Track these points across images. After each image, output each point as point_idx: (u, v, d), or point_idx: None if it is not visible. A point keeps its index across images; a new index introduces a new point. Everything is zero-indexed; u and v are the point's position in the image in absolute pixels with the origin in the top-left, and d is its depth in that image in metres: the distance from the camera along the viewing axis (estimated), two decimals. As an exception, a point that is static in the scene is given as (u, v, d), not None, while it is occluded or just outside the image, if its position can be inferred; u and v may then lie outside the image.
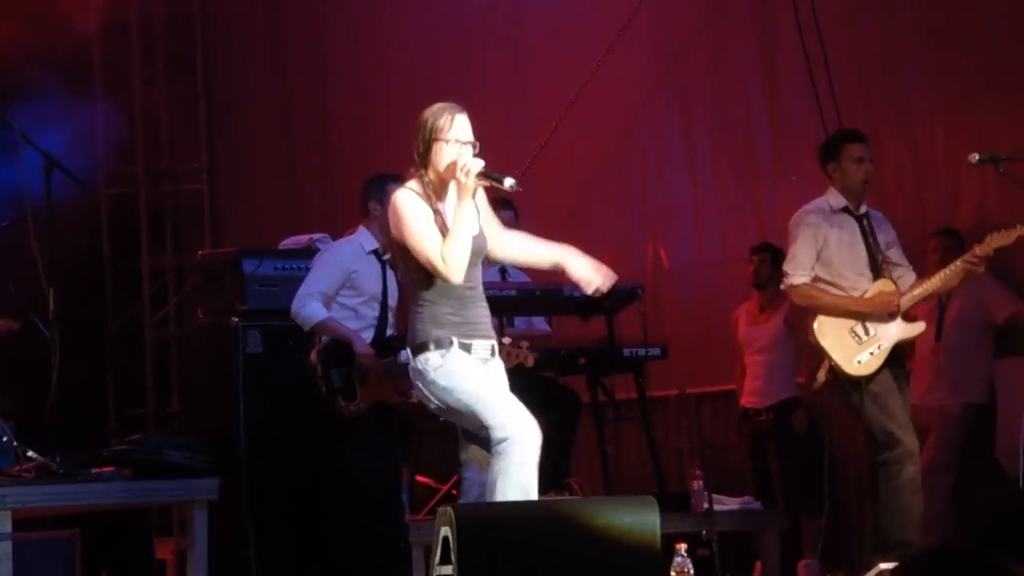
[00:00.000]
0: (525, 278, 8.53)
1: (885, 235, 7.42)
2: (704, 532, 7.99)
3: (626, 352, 8.26)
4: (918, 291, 7.30)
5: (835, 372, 7.26)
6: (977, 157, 7.16)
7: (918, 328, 7.40)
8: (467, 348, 5.82)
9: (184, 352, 10.90)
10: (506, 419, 5.73)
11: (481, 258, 5.92)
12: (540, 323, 8.56)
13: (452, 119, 5.80)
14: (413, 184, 5.84)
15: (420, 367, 5.83)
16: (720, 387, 9.61)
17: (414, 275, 5.86)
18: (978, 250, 7.15)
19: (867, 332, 7.25)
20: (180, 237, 11.60)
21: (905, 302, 7.28)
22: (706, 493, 7.91)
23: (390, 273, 7.51)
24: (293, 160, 11.62)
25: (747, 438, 9.22)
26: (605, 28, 9.87)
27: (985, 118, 8.51)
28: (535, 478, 5.75)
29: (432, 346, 5.80)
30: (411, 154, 5.89)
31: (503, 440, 5.71)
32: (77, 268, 10.51)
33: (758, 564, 8.44)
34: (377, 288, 7.49)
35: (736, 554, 8.97)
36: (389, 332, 7.46)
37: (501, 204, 8.49)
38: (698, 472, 8.06)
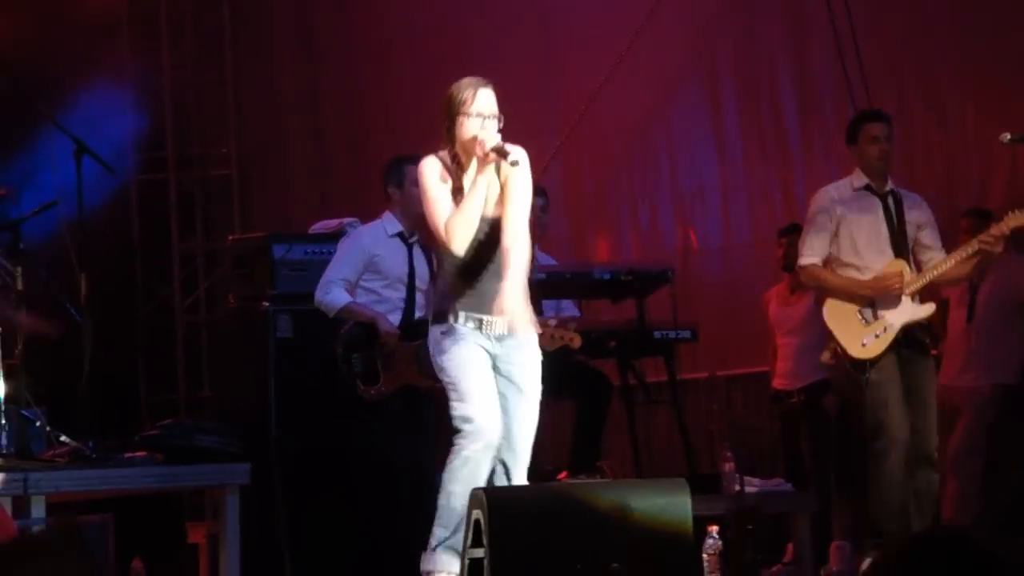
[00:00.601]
0: (553, 261, 8.52)
1: (918, 216, 7.34)
2: (736, 514, 7.98)
3: (656, 335, 8.23)
4: (932, 272, 7.24)
5: (843, 353, 7.25)
6: (1009, 137, 7.12)
7: (926, 310, 7.31)
8: (478, 323, 5.82)
9: (215, 337, 10.91)
10: (468, 411, 5.74)
11: (500, 236, 5.86)
12: (569, 307, 8.54)
13: (475, 92, 5.80)
14: (441, 153, 5.87)
15: (429, 342, 5.92)
16: (751, 369, 9.60)
17: (434, 242, 5.93)
18: (994, 230, 7.11)
19: (875, 315, 7.21)
20: (210, 222, 11.62)
21: (916, 283, 7.22)
22: (737, 475, 7.90)
23: (418, 255, 7.50)
24: (322, 144, 11.62)
25: (778, 420, 9.21)
26: (634, 10, 9.84)
27: (1017, 97, 8.47)
28: (482, 476, 5.75)
29: (439, 319, 5.86)
30: (440, 134, 5.90)
31: (458, 432, 5.74)
32: (108, 254, 10.56)
33: (790, 546, 8.44)
34: (403, 271, 7.48)
35: (768, 536, 8.95)
36: (419, 315, 7.45)
37: (534, 191, 8.49)
38: (729, 454, 8.05)
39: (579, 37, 10.33)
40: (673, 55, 10.04)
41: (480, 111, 5.79)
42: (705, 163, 9.95)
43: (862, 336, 7.19)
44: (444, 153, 5.88)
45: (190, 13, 11.69)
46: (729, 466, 7.95)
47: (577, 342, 6.36)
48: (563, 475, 7.91)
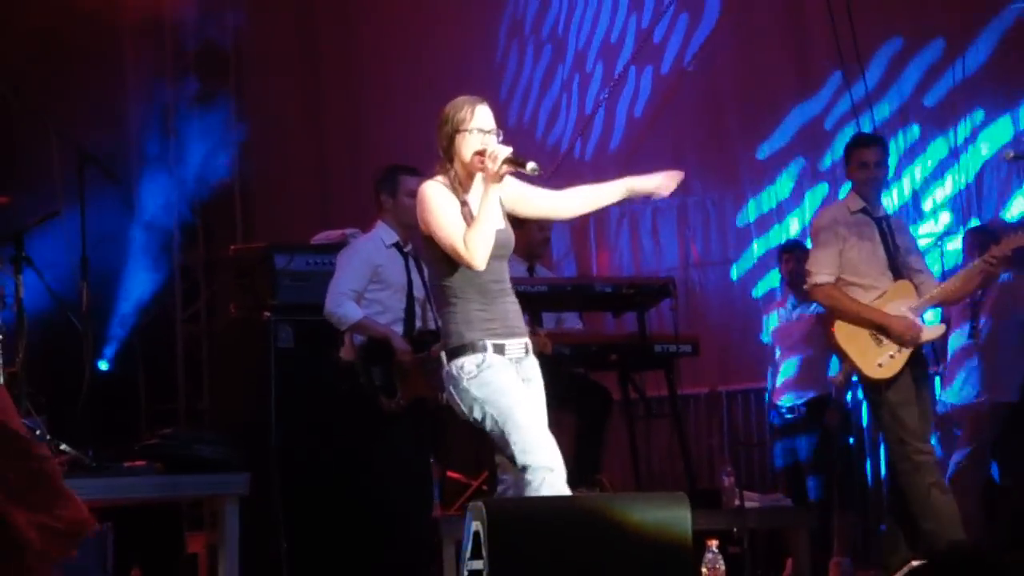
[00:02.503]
0: (552, 274, 8.54)
1: (904, 240, 7.41)
2: (735, 529, 7.99)
3: (657, 349, 8.25)
4: (936, 294, 7.26)
5: (858, 374, 7.26)
6: (1012, 153, 7.15)
7: (938, 331, 7.36)
8: (500, 349, 5.74)
9: (216, 347, 10.92)
10: (531, 446, 5.65)
11: (508, 252, 5.84)
12: (572, 320, 8.56)
13: (473, 110, 5.77)
14: (439, 178, 5.82)
15: (455, 372, 5.73)
16: (751, 384, 9.60)
17: (440, 267, 5.77)
18: (995, 251, 7.14)
19: (885, 335, 7.23)
20: (211, 233, 11.62)
21: (920, 306, 7.24)
22: (737, 490, 7.90)
23: (414, 266, 7.51)
24: (324, 156, 11.64)
25: (778, 435, 9.20)
26: (638, 20, 9.89)
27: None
28: None
29: (468, 351, 5.71)
30: (436, 156, 5.88)
31: (527, 467, 5.64)
32: (110, 264, 10.57)
33: (789, 561, 8.44)
34: (403, 280, 7.47)
35: (767, 551, 8.95)
36: (417, 325, 7.46)
37: None
38: (729, 469, 8.06)
39: (577, 50, 10.38)
40: (675, 64, 10.07)
41: (480, 127, 5.76)
42: (706, 176, 9.95)
43: (877, 357, 7.19)
44: (443, 178, 5.83)
45: (193, 25, 11.70)
46: (729, 481, 7.96)
47: (548, 348, 6.27)
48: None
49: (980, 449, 8.28)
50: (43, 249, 7.60)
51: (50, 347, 7.84)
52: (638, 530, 5.31)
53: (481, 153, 5.70)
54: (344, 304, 7.37)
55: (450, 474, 8.60)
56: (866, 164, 7.31)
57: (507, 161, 5.68)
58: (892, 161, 8.03)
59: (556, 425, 8.19)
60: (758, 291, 9.65)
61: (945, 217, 8.99)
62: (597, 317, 9.12)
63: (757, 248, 9.74)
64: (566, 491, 5.68)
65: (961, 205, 8.88)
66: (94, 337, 7.49)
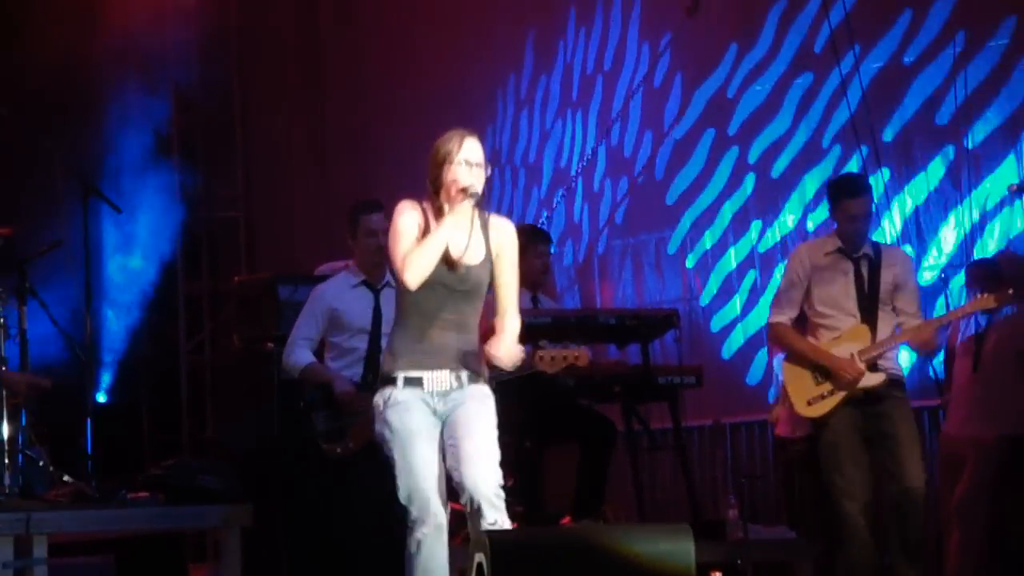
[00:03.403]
0: (555, 304, 8.53)
1: (895, 275, 7.36)
2: (739, 561, 7.96)
3: (661, 380, 8.24)
4: (886, 340, 7.26)
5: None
6: (1017, 186, 7.17)
7: (876, 379, 7.31)
8: (416, 382, 5.75)
9: (219, 378, 10.92)
10: (411, 496, 5.74)
11: (472, 291, 5.81)
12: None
13: (461, 142, 5.79)
14: (424, 202, 5.83)
15: (374, 403, 5.83)
16: (754, 416, 9.59)
17: (398, 287, 5.82)
18: (958, 311, 7.34)
19: (827, 376, 7.28)
20: (216, 263, 11.64)
21: (869, 354, 7.24)
22: (741, 522, 7.88)
23: (387, 300, 7.32)
24: (328, 187, 11.65)
25: (782, 467, 9.19)
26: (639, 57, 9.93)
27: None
28: (439, 561, 5.75)
29: (383, 383, 5.79)
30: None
31: (409, 523, 5.76)
32: (115, 294, 10.58)
33: (793, 594, 8.41)
34: (365, 320, 7.38)
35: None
36: None
37: (540, 238, 8.50)
38: (733, 501, 8.04)
39: (583, 84, 10.42)
40: (676, 93, 10.09)
41: (467, 159, 5.79)
42: (709, 205, 9.96)
43: (809, 395, 7.31)
44: (427, 202, 5.85)
45: (198, 54, 11.74)
46: (733, 512, 7.94)
47: (584, 360, 6.16)
48: (567, 519, 7.89)
49: (984, 481, 8.25)
50: (47, 279, 7.62)
51: (54, 377, 7.84)
52: (642, 561, 5.30)
53: (452, 182, 5.73)
54: (294, 353, 7.38)
55: (453, 505, 8.57)
56: (854, 217, 7.34)
57: (460, 190, 5.71)
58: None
59: (561, 457, 8.25)
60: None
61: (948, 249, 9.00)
62: (600, 349, 9.11)
63: (763, 279, 9.75)
64: (437, 547, 5.73)
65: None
66: (96, 367, 7.49)
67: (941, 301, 8.59)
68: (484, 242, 5.84)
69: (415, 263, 5.69)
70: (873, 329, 7.28)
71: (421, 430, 5.75)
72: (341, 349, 7.39)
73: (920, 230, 9.06)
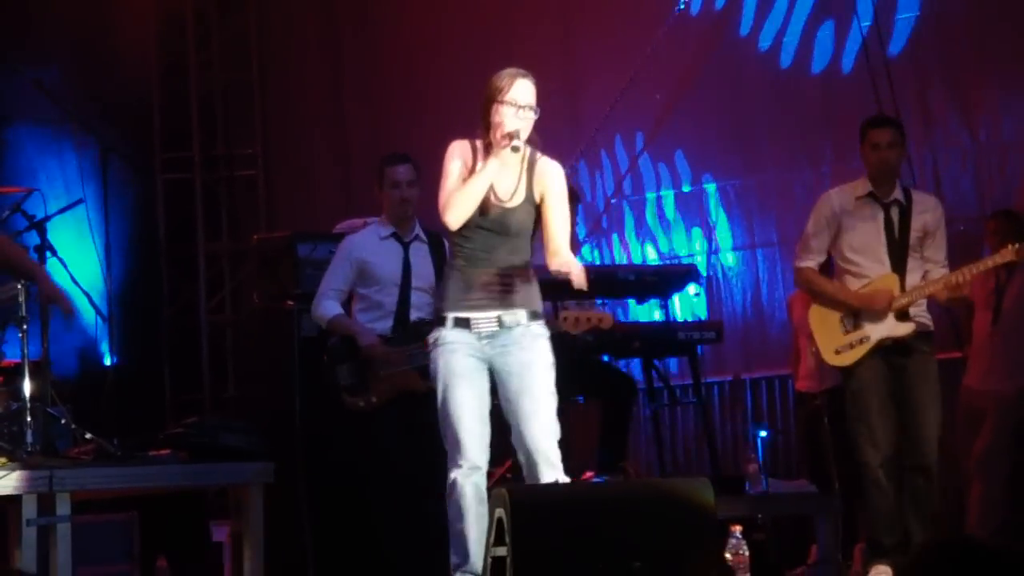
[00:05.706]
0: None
1: (925, 222, 7.22)
2: (759, 515, 7.97)
3: (681, 335, 8.23)
4: (919, 291, 7.14)
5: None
6: None
7: (905, 328, 7.21)
8: (464, 323, 5.83)
9: (240, 336, 10.94)
10: (449, 439, 5.82)
11: (512, 233, 5.85)
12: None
13: (513, 82, 5.81)
14: (475, 140, 5.88)
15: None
16: (775, 371, 9.58)
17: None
18: (980, 264, 7.13)
19: (855, 325, 7.18)
20: (235, 222, 11.65)
21: (901, 301, 7.13)
22: (762, 476, 7.89)
23: (417, 253, 7.39)
24: (346, 144, 11.64)
25: (802, 422, 9.19)
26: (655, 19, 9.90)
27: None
28: (469, 501, 5.81)
29: (437, 323, 5.90)
30: (461, 134, 5.93)
31: (449, 470, 5.83)
32: (133, 253, 10.60)
33: (813, 548, 8.42)
34: (395, 273, 7.37)
35: (792, 538, 8.94)
36: (419, 316, 7.34)
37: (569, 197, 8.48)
38: (753, 456, 8.04)
39: (602, 47, 10.38)
40: (696, 60, 10.04)
41: (515, 99, 5.79)
42: (730, 163, 9.93)
43: (838, 344, 7.20)
44: (479, 141, 5.88)
45: (216, 14, 11.73)
46: (753, 467, 7.95)
47: (608, 322, 6.15)
48: (588, 475, 7.91)
49: (1005, 434, 8.24)
50: (67, 239, 7.62)
51: (74, 336, 7.86)
52: (662, 516, 5.31)
53: (498, 124, 5.74)
54: (321, 304, 7.40)
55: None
56: (877, 145, 7.20)
57: (506, 135, 5.71)
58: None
59: (581, 413, 8.26)
60: (782, 276, 9.62)
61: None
62: (620, 305, 9.10)
63: (781, 232, 9.71)
64: (467, 488, 5.80)
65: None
66: (116, 327, 7.50)
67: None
68: (527, 185, 5.86)
69: (455, 204, 5.76)
70: (902, 277, 7.16)
71: (464, 373, 5.83)
72: (370, 302, 7.39)
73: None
